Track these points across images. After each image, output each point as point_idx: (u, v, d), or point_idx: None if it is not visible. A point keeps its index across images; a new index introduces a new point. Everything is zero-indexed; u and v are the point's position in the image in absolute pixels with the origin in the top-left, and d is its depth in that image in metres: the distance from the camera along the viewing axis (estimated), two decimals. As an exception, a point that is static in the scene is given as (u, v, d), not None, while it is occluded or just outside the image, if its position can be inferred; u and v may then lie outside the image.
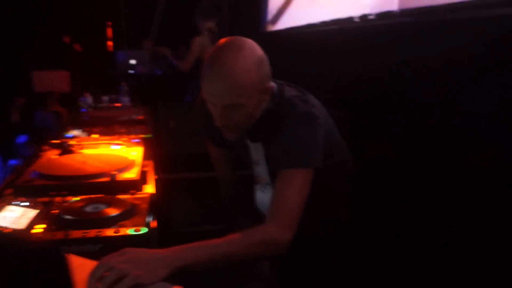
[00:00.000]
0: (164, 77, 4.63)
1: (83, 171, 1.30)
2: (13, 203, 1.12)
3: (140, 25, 5.11)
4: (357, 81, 1.94)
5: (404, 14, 1.67)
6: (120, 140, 1.74)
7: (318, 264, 1.28)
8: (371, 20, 1.89)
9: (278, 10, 3.29)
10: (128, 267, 0.78)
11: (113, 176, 1.25)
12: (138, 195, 1.19)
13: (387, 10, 1.78)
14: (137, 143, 1.70)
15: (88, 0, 5.10)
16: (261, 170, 1.27)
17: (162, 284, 0.80)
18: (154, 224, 1.05)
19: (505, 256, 1.13)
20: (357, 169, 1.32)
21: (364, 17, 1.95)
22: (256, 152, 1.25)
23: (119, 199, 1.13)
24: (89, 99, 2.74)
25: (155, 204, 1.16)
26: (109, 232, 0.98)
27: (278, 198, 1.05)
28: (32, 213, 1.06)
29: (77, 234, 0.96)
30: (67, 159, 1.47)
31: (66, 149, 1.57)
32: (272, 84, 1.15)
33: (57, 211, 1.07)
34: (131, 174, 1.29)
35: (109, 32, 5.45)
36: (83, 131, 1.95)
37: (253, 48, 1.08)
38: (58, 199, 1.15)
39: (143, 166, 1.40)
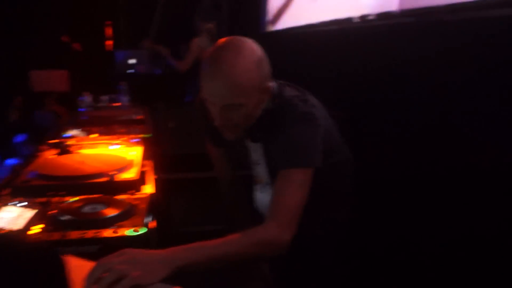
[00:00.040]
0: (163, 77, 4.62)
1: (81, 171, 1.29)
2: (10, 203, 1.11)
3: (140, 24, 5.11)
4: (357, 81, 1.93)
5: (404, 14, 1.67)
6: (119, 140, 1.74)
7: (317, 264, 1.28)
8: (371, 20, 1.89)
9: (278, 10, 3.29)
10: (126, 268, 0.77)
11: (111, 176, 1.24)
12: (137, 195, 1.18)
13: (387, 10, 1.77)
14: (137, 143, 1.69)
15: (87, -1, 5.10)
16: (260, 170, 1.27)
17: (161, 285, 0.79)
18: (153, 224, 1.04)
19: (505, 256, 1.12)
20: (357, 169, 1.32)
21: (364, 18, 1.95)
22: (256, 152, 1.25)
23: (118, 200, 1.12)
24: (88, 98, 2.74)
25: (154, 204, 1.16)
26: (108, 232, 0.97)
27: (277, 198, 1.04)
28: (30, 213, 1.06)
29: (75, 235, 0.96)
30: (65, 159, 1.46)
31: (64, 149, 1.57)
32: (272, 84, 1.14)
33: (54, 211, 1.06)
34: (130, 174, 1.28)
35: (109, 31, 5.44)
36: (82, 130, 1.94)
37: (253, 48, 1.08)
38: (56, 199, 1.15)
39: (142, 166, 1.39)
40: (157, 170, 1.48)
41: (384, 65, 1.71)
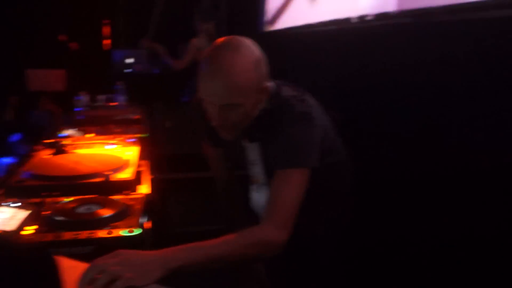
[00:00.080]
0: (161, 76, 4.61)
1: (76, 171, 1.28)
2: (3, 204, 1.10)
3: (138, 23, 5.09)
4: (355, 81, 1.93)
5: (402, 15, 1.67)
6: (116, 140, 1.73)
7: (316, 264, 1.28)
8: (369, 21, 1.89)
9: (277, 10, 3.29)
10: (120, 270, 0.77)
11: (107, 176, 1.23)
12: (133, 196, 1.17)
13: (385, 11, 1.77)
14: (133, 143, 1.68)
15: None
16: (257, 170, 1.26)
17: (155, 286, 0.78)
18: (148, 225, 1.03)
19: (505, 256, 1.12)
20: (356, 169, 1.31)
21: (362, 18, 1.94)
22: (253, 152, 1.24)
23: (113, 200, 1.11)
24: (85, 98, 2.72)
25: (149, 205, 1.15)
26: (102, 233, 0.96)
27: (274, 198, 1.04)
28: (23, 214, 1.04)
29: (68, 235, 0.95)
30: (60, 159, 1.45)
31: (59, 149, 1.55)
32: (270, 84, 1.14)
33: (48, 212, 1.05)
34: (126, 174, 1.27)
35: (106, 30, 5.42)
36: (78, 130, 1.93)
37: (251, 47, 1.07)
38: (50, 199, 1.14)
39: (138, 166, 1.38)
40: (154, 170, 1.47)
41: (382, 65, 1.71)
